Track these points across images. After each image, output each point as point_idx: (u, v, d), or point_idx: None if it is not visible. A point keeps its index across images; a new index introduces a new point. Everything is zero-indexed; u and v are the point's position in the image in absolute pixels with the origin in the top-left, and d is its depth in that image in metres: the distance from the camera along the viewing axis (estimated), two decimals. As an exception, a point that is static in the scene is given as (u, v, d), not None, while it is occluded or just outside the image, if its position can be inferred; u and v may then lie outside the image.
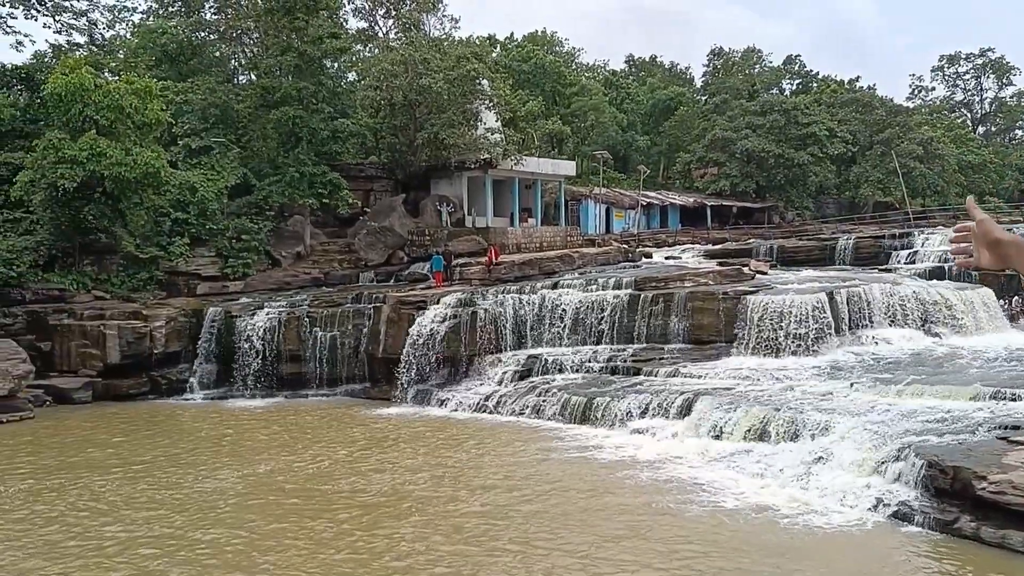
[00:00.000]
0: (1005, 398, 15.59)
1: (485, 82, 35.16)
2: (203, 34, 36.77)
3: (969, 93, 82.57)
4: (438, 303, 24.82)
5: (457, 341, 23.77)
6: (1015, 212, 54.76)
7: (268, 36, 33.33)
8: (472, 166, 34.85)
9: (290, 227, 32.57)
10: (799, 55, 79.14)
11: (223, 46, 36.79)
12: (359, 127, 33.23)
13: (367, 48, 42.31)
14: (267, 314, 25.88)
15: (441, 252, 30.65)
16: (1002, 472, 11.45)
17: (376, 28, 43.38)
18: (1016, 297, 27.14)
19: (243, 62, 37.37)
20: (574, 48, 75.13)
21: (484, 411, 21.14)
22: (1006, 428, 13.54)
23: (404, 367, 23.76)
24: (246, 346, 25.30)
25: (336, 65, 36.39)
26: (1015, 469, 11.49)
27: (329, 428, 19.99)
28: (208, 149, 31.74)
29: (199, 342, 25.83)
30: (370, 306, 25.93)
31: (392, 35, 42.98)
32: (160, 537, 12.04)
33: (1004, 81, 79.92)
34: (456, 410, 21.69)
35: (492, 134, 34.62)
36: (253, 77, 35.54)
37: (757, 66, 75.65)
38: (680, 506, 13.02)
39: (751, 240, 43.62)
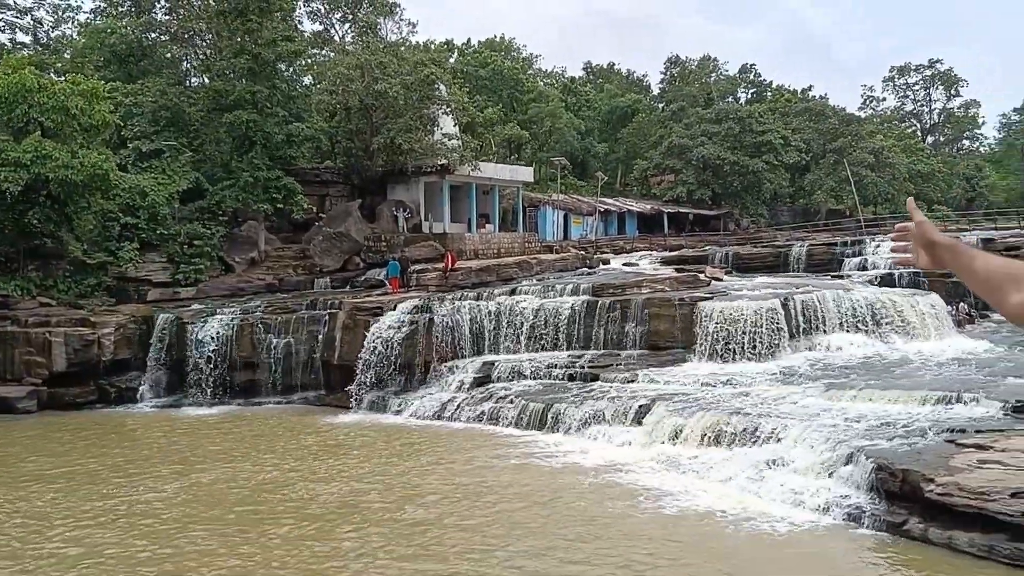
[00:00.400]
0: (952, 402, 15.86)
1: (442, 87, 35.03)
2: (154, 35, 36.05)
3: (918, 104, 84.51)
4: (394, 309, 24.61)
5: (413, 348, 23.58)
6: (962, 220, 55.99)
7: (221, 38, 32.80)
8: (429, 171, 34.68)
9: (244, 232, 32.10)
10: (754, 64, 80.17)
11: (174, 47, 36.13)
12: (314, 131, 32.86)
13: (323, 52, 41.88)
14: (220, 320, 25.44)
15: (398, 258, 30.42)
16: (949, 474, 11.62)
17: (332, 32, 42.99)
18: (962, 303, 27.72)
19: (195, 64, 36.73)
20: (531, 54, 75.45)
21: (440, 418, 20.95)
22: (953, 431, 13.76)
23: (360, 374, 23.50)
24: (198, 353, 24.83)
25: (291, 69, 35.92)
26: (961, 471, 11.66)
27: (281, 437, 19.64)
28: (159, 152, 31.15)
29: (149, 349, 25.28)
30: (325, 312, 25.61)
31: (348, 39, 42.63)
32: (98, 552, 11.66)
33: (952, 92, 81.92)
34: (412, 417, 21.47)
35: (449, 139, 34.49)
36: (205, 80, 34.90)
37: (713, 74, 76.54)
38: (632, 512, 12.99)
39: (707, 247, 43.97)
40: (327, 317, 25.27)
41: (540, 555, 11.30)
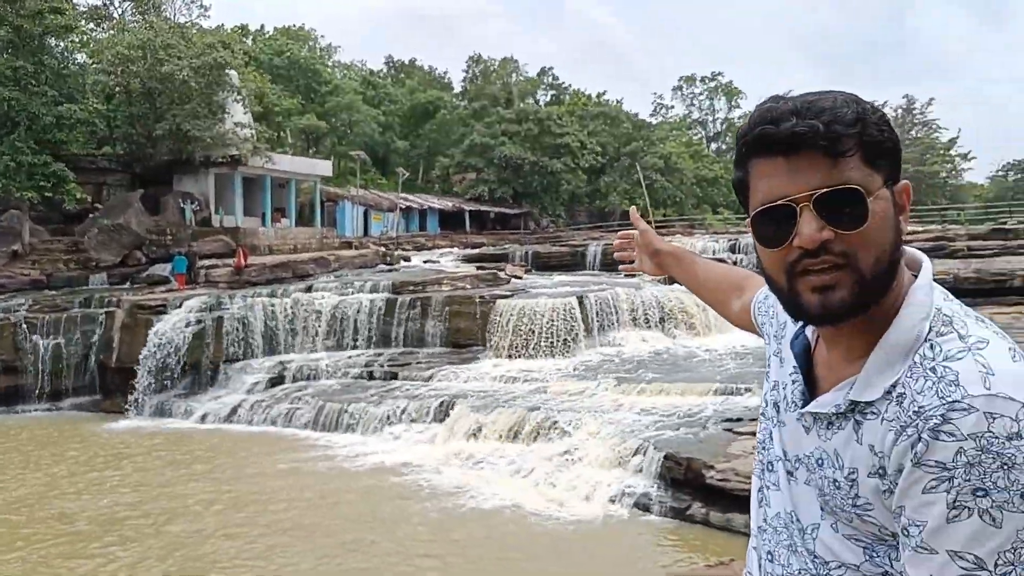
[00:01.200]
0: (731, 393, 16.90)
1: (233, 73, 33.24)
2: None
3: (704, 113, 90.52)
4: (180, 307, 23.18)
5: (201, 348, 22.28)
6: (741, 224, 60.37)
7: (-24, 7, 29.39)
8: (220, 162, 32.83)
9: (4, 223, 28.91)
10: (552, 67, 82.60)
11: (-81, 14, 31.96)
12: (89, 114, 30.08)
13: (101, 28, 38.58)
14: (-26, 321, 22.79)
15: (184, 253, 28.58)
16: (727, 461, 12.31)
17: (111, 7, 39.72)
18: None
19: (-55, 34, 32.68)
20: (330, 45, 73.67)
21: (231, 422, 19.84)
22: (731, 420, 14.63)
23: (141, 377, 21.94)
24: (-54, 358, 22.13)
25: (62, 44, 32.76)
26: (737, 457, 12.39)
27: (44, 447, 17.79)
28: (-100, 131, 27.44)
29: None
30: (102, 311, 23.61)
31: (129, 16, 39.57)
32: None
33: (733, 104, 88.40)
34: (201, 422, 20.20)
35: (241, 128, 32.82)
36: (-41, 52, 31.15)
37: (514, 75, 77.99)
38: (426, 510, 12.80)
39: (507, 245, 44.74)
40: (104, 316, 23.35)
41: (319, 562, 10.83)
